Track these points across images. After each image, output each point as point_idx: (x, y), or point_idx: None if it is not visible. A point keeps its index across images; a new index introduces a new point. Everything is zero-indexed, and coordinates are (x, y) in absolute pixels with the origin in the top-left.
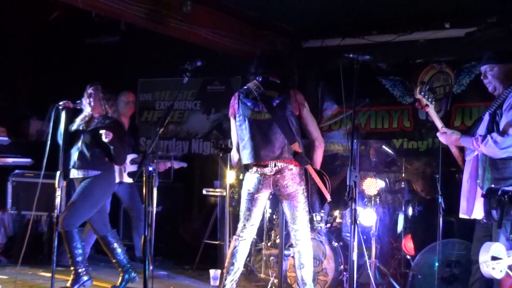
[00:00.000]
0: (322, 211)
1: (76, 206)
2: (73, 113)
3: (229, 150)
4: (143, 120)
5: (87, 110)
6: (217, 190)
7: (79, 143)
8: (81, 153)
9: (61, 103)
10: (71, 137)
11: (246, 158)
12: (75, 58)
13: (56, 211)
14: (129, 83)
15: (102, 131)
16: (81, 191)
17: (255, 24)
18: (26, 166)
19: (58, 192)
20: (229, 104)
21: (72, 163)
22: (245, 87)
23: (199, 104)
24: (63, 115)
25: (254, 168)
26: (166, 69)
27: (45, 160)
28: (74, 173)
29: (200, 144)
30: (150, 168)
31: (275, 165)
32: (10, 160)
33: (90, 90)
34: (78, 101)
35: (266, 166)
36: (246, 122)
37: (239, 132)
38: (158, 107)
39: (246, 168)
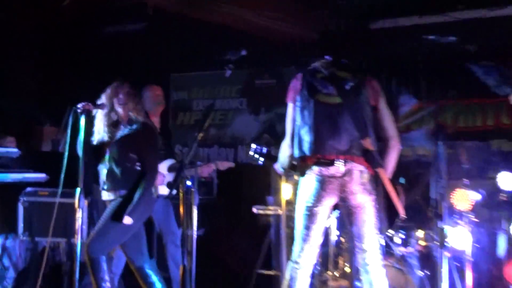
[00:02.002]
0: (400, 231)
1: (105, 229)
2: (94, 117)
3: (272, 157)
4: (178, 123)
5: (112, 115)
6: (271, 207)
7: (107, 159)
8: (110, 172)
9: (79, 105)
10: (95, 150)
11: (306, 149)
12: (93, 51)
13: (76, 236)
14: (158, 79)
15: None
16: (109, 212)
17: (310, 3)
18: (40, 183)
19: (79, 214)
20: (288, 88)
21: (102, 183)
22: (311, 67)
23: (246, 102)
24: (82, 120)
25: (315, 168)
26: (204, 61)
27: (62, 175)
28: (105, 196)
29: (248, 152)
30: (188, 183)
31: (344, 163)
32: (20, 176)
33: (114, 89)
34: (101, 103)
35: (331, 163)
36: (311, 105)
37: (299, 118)
38: (196, 108)
39: (303, 167)
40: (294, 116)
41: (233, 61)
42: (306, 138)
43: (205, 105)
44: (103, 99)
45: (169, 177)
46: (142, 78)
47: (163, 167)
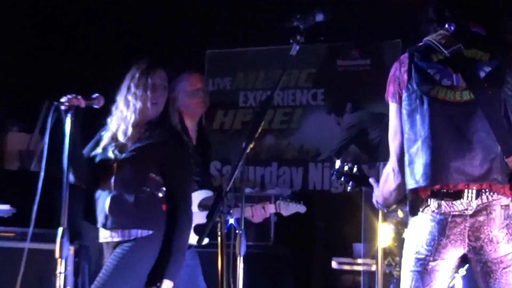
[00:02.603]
0: None
1: None
2: (90, 118)
3: (365, 181)
4: (215, 127)
5: (121, 112)
6: (359, 261)
7: (111, 180)
8: (116, 200)
9: (63, 99)
10: (92, 166)
11: (418, 175)
12: (89, 17)
13: None
14: (186, 57)
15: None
16: (115, 265)
17: None
18: (1, 218)
19: (61, 268)
20: (388, 77)
21: (100, 217)
22: (422, 42)
23: (322, 94)
24: (68, 122)
25: (432, 202)
26: (256, 30)
27: (35, 207)
28: (104, 235)
29: (325, 173)
30: (231, 221)
31: (478, 194)
32: None
33: (134, 72)
34: (96, 95)
35: (457, 195)
36: (425, 106)
37: (407, 127)
38: (244, 103)
39: (414, 202)
40: (400, 123)
41: (302, 30)
42: (419, 158)
43: (258, 100)
44: (123, 90)
45: (200, 217)
46: (162, 56)
47: (193, 200)
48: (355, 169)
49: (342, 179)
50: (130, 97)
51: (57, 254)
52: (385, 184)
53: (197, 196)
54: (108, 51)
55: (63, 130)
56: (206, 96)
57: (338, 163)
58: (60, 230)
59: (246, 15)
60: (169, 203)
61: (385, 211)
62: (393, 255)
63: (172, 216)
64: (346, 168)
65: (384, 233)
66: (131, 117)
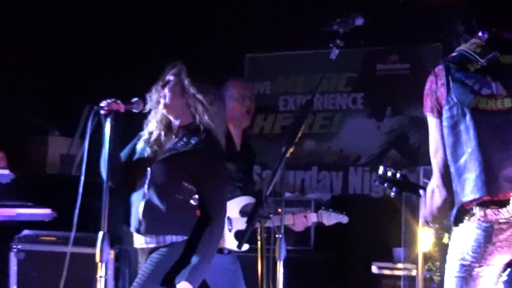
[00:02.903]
0: None
1: None
2: (128, 122)
3: (410, 186)
4: (255, 132)
5: (157, 116)
6: (399, 265)
7: (145, 186)
8: (149, 206)
9: (103, 103)
10: (128, 171)
11: (469, 191)
12: (129, 22)
13: None
14: (225, 62)
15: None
16: (152, 270)
17: None
18: (43, 222)
19: (101, 272)
20: (424, 90)
21: (133, 222)
22: (456, 53)
23: (362, 99)
24: (107, 127)
25: (478, 211)
26: (296, 34)
27: (76, 212)
28: (140, 242)
29: (365, 177)
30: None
31: None
32: (13, 212)
33: (169, 77)
34: (135, 99)
35: (503, 203)
36: (467, 117)
37: (449, 141)
38: (283, 107)
39: (459, 213)
40: (441, 138)
41: (342, 34)
42: (468, 171)
43: (298, 104)
44: (150, 94)
45: (241, 223)
46: (201, 61)
47: (234, 207)
48: (398, 175)
49: (385, 184)
50: (153, 97)
51: (97, 258)
52: (432, 201)
53: (239, 202)
54: (148, 55)
55: (103, 134)
56: (253, 104)
57: (381, 169)
58: (101, 234)
59: (285, 19)
60: (202, 211)
61: (435, 226)
62: (434, 260)
63: (203, 222)
64: (389, 173)
65: (424, 238)
66: (159, 117)
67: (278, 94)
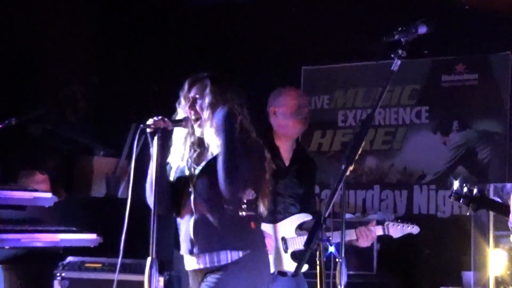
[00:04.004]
0: None
1: None
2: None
3: (489, 202)
4: (312, 149)
5: (189, 131)
6: None
7: (191, 204)
8: (199, 222)
9: (149, 121)
10: (175, 189)
11: None
12: (172, 35)
13: None
14: (281, 75)
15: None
16: None
17: None
18: (88, 248)
19: None
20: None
21: (185, 244)
22: None
23: (427, 112)
24: (155, 145)
25: None
26: (354, 45)
27: (123, 237)
28: (192, 263)
29: (431, 196)
30: (331, 249)
31: None
32: (56, 237)
33: (192, 93)
34: (183, 117)
35: None
36: None
37: None
38: (343, 122)
39: None
40: None
41: (405, 44)
42: None
43: (358, 119)
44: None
45: (297, 243)
46: (250, 74)
47: (288, 226)
48: (475, 190)
49: (461, 201)
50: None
51: (146, 286)
52: None
53: (294, 221)
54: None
55: (150, 154)
56: (307, 114)
57: (456, 184)
58: (149, 260)
59: (344, 29)
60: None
61: None
62: (506, 284)
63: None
64: (465, 189)
65: (496, 260)
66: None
67: (337, 109)
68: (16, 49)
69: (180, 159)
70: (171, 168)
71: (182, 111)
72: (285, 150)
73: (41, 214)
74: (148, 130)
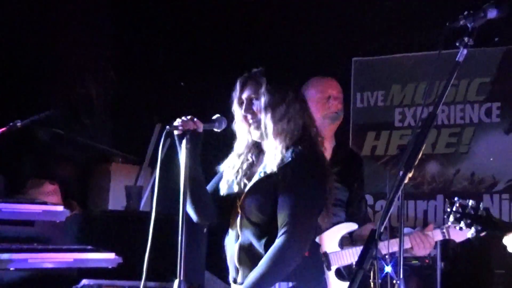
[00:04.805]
0: None
1: None
2: (210, 145)
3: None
4: (365, 153)
5: (243, 137)
6: None
7: (237, 225)
8: (245, 247)
9: (177, 122)
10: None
11: None
12: (204, 23)
13: None
14: (329, 68)
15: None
16: None
17: None
18: (106, 270)
19: None
20: None
21: (230, 271)
22: None
23: (498, 110)
24: (183, 150)
25: None
26: (411, 33)
27: (146, 257)
28: None
29: (503, 207)
30: (387, 269)
31: None
32: (70, 257)
33: (247, 92)
34: (217, 116)
35: None
36: None
37: None
38: (401, 122)
39: None
40: None
41: (472, 30)
42: None
43: (418, 118)
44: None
45: (342, 258)
46: (295, 69)
47: (330, 239)
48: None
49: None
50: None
51: None
52: None
53: (337, 231)
54: (235, 63)
55: (178, 162)
56: (334, 111)
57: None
58: (176, 283)
59: (401, 14)
60: (280, 230)
61: None
62: None
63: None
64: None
65: None
66: (250, 136)
67: (393, 106)
68: (24, 43)
69: (231, 169)
70: (221, 177)
71: (238, 115)
72: (323, 149)
73: (52, 231)
74: (175, 132)
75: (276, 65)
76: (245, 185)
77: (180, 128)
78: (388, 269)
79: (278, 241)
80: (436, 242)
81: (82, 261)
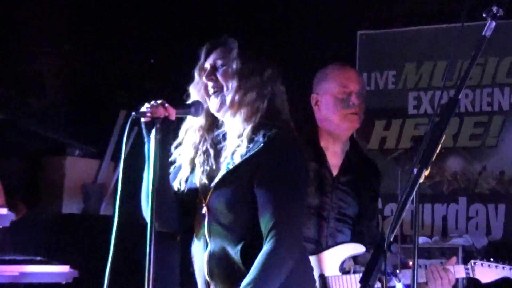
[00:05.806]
0: None
1: None
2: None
3: None
4: (372, 146)
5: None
6: None
7: (205, 230)
8: (215, 256)
9: (144, 108)
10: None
11: None
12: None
13: None
14: (331, 44)
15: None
16: None
17: None
18: (59, 285)
19: None
20: None
21: (199, 282)
22: None
23: None
24: (152, 141)
25: None
26: (428, 1)
27: (108, 269)
28: None
29: None
30: (398, 286)
31: None
32: (17, 269)
33: (212, 58)
34: (193, 101)
35: None
36: None
37: None
38: (415, 109)
39: None
40: None
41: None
42: None
43: (436, 104)
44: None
45: (341, 284)
46: (292, 45)
47: (332, 260)
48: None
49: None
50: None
51: None
52: None
53: (340, 253)
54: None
55: (147, 153)
56: (358, 107)
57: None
58: None
59: None
60: (267, 233)
61: None
62: None
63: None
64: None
65: None
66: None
67: (407, 90)
68: None
69: (188, 164)
70: (179, 169)
71: (195, 92)
72: (333, 153)
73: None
74: (143, 119)
75: (268, 40)
76: (210, 180)
77: (148, 114)
78: (399, 286)
79: (267, 247)
80: (457, 280)
81: (30, 275)
